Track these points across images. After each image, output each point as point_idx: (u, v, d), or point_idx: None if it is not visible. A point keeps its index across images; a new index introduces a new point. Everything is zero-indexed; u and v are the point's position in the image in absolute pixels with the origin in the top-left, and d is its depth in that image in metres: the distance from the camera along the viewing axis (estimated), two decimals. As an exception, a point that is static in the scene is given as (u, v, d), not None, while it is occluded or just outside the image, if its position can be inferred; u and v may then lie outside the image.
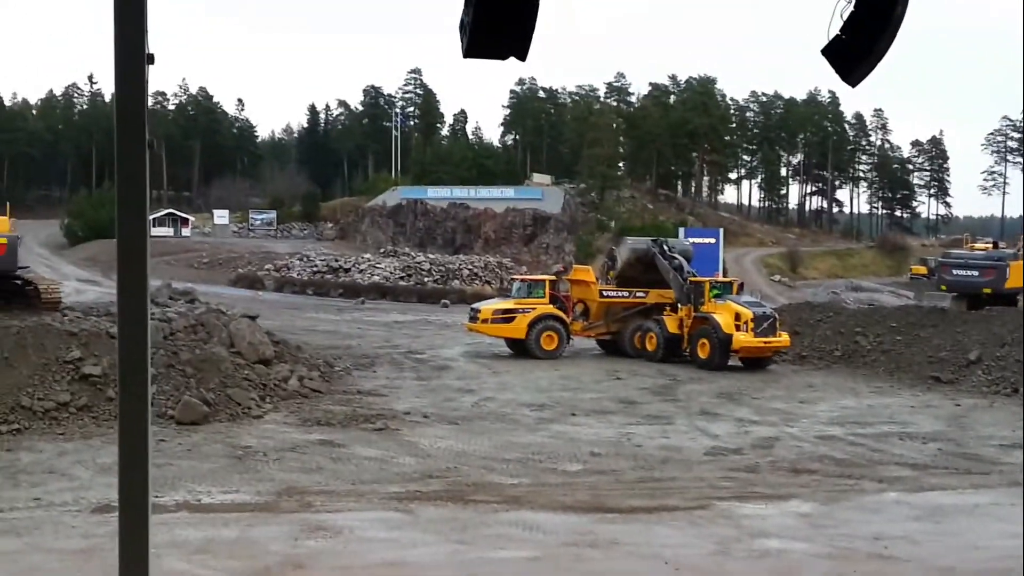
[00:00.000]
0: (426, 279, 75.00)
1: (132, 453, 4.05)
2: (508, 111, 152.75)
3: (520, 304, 36.30)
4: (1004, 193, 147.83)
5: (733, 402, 27.27)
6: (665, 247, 37.33)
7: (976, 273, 36.42)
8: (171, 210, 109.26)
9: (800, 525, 15.22)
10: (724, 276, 46.58)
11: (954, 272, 37.37)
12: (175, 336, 24.21)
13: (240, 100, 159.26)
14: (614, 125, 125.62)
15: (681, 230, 75.91)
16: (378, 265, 77.80)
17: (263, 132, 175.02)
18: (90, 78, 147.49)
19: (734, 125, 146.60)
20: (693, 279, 35.35)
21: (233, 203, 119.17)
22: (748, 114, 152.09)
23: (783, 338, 33.80)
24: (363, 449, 19.53)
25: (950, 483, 18.38)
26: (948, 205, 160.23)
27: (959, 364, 31.66)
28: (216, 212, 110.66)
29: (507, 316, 36.08)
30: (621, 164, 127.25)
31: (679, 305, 35.08)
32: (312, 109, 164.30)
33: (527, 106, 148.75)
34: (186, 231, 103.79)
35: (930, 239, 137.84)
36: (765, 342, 33.07)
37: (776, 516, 15.69)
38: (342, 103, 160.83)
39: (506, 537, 13.92)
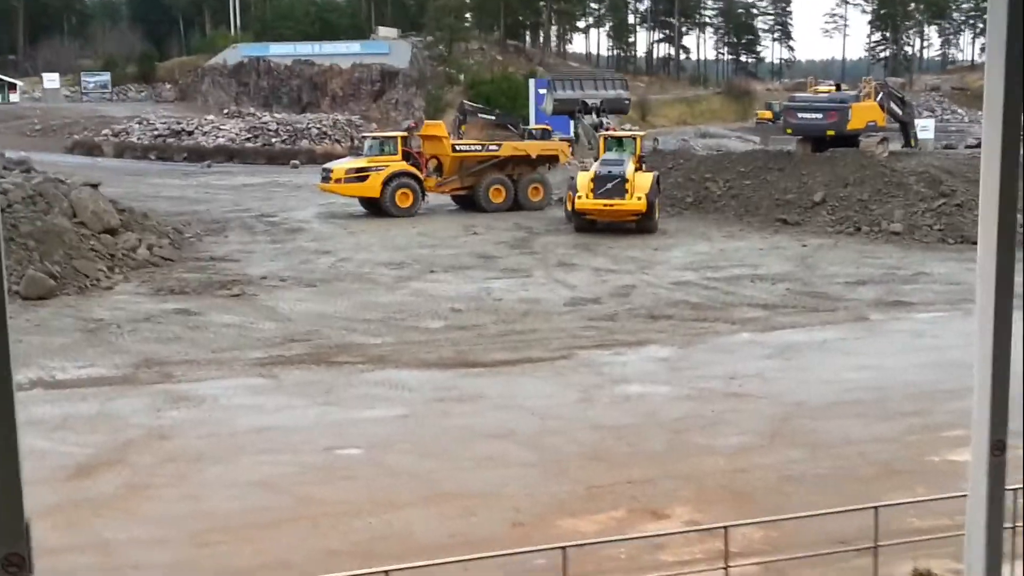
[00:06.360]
0: (274, 140, 73.18)
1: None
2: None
3: (373, 162, 35.75)
4: (845, 35, 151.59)
5: (589, 252, 27.65)
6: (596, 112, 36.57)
7: (820, 116, 37.14)
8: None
9: (659, 369, 15.68)
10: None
11: (799, 115, 38.04)
12: (13, 208, 23.12)
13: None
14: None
15: (531, 81, 75.53)
16: (222, 127, 75.49)
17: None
18: None
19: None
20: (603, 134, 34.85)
21: (63, 66, 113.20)
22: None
23: (632, 201, 30.90)
24: (220, 316, 19.23)
25: (799, 321, 19.13)
26: (791, 49, 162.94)
27: (805, 206, 32.69)
28: (46, 76, 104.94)
29: (360, 175, 35.52)
30: (468, 15, 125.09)
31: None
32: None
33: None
34: (14, 96, 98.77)
35: (774, 83, 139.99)
36: (606, 204, 30.87)
37: (636, 362, 16.11)
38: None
39: (373, 396, 13.96)
